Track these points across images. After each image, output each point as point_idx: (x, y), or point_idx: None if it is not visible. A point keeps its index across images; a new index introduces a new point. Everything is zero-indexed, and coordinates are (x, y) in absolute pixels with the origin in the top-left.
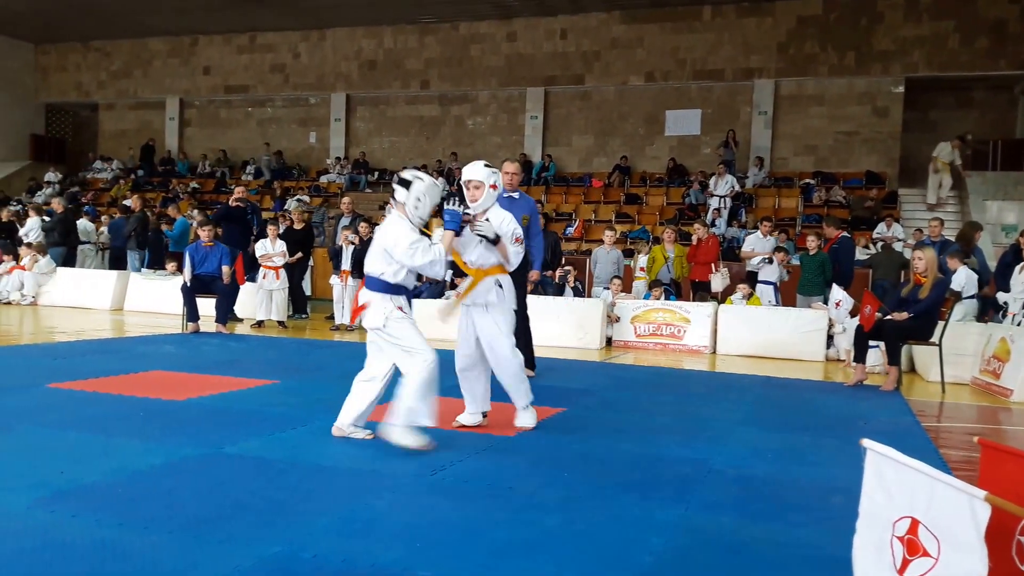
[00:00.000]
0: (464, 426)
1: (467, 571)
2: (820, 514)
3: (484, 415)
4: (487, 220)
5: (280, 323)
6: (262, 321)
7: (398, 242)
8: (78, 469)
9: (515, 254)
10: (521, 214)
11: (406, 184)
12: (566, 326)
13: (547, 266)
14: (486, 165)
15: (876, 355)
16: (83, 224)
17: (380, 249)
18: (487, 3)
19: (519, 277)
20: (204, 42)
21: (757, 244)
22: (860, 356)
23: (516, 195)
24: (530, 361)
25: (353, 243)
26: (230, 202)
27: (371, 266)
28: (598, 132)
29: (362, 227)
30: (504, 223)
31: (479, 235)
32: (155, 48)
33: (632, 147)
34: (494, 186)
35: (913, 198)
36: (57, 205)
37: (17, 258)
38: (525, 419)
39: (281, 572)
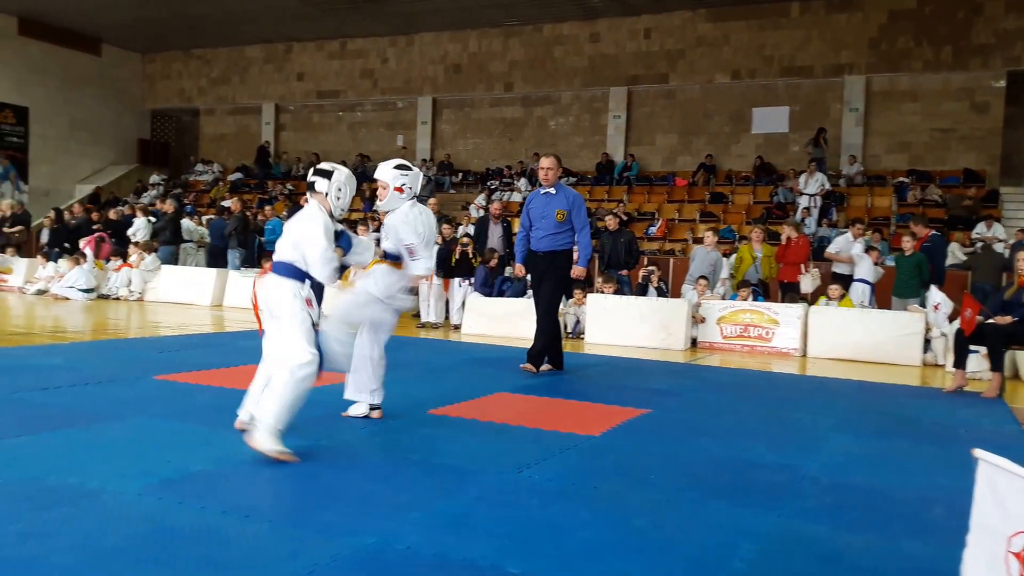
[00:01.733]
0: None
1: (556, 569)
2: (920, 525)
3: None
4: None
5: None
6: None
7: (313, 244)
8: (183, 458)
9: (414, 264)
10: (556, 209)
11: (327, 175)
12: (649, 327)
13: (623, 265)
14: (397, 166)
15: (977, 360)
16: (187, 224)
17: (292, 241)
18: (571, 4)
19: (560, 272)
20: (298, 49)
21: (845, 246)
22: (960, 361)
23: (553, 190)
24: (557, 359)
25: (437, 243)
26: (302, 202)
27: (282, 254)
28: (682, 131)
29: (445, 228)
30: (393, 230)
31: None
32: (251, 55)
33: (717, 145)
34: (400, 189)
35: (1016, 197)
36: (168, 206)
37: (125, 256)
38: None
39: (376, 563)
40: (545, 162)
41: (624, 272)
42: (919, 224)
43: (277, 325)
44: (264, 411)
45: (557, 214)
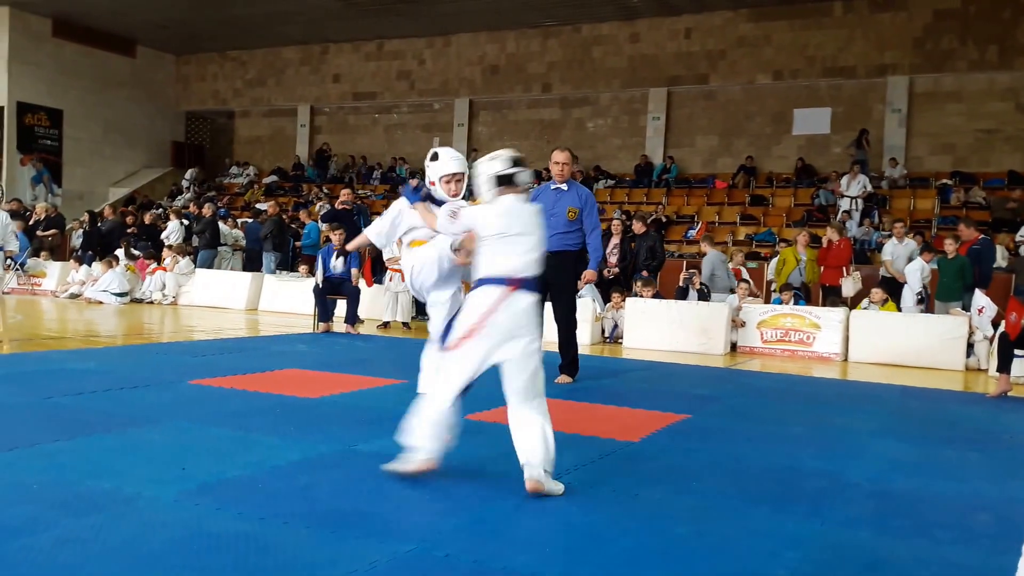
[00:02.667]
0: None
1: None
2: (966, 532)
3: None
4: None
5: (404, 324)
6: (388, 322)
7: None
8: (220, 463)
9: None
10: (568, 206)
11: (525, 163)
12: (689, 331)
13: (646, 268)
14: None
15: (1022, 365)
16: (221, 227)
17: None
18: (610, 4)
19: (571, 278)
20: (334, 50)
21: (895, 251)
22: (1004, 366)
23: (565, 187)
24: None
25: None
26: (336, 204)
27: (534, 266)
28: (722, 132)
29: None
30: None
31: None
32: (287, 57)
33: (758, 147)
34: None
35: None
36: (207, 210)
37: (159, 260)
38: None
39: (414, 570)
40: (560, 156)
41: (644, 273)
42: (969, 227)
43: (527, 352)
44: (548, 458)
45: (569, 212)
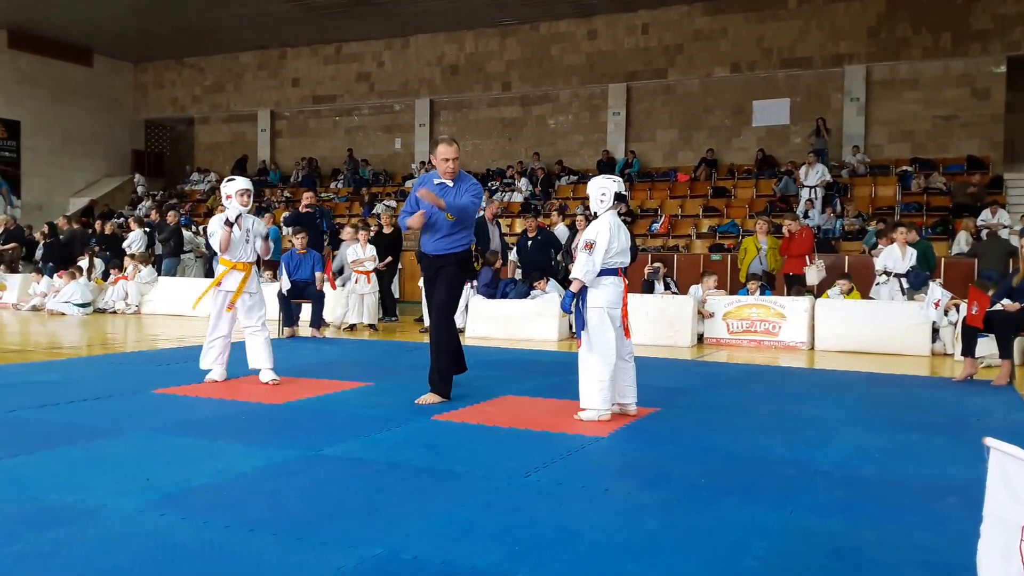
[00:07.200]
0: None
1: (567, 574)
2: (935, 516)
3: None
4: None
5: (371, 326)
6: (354, 325)
7: None
8: (185, 472)
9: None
10: (448, 212)
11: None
12: (656, 324)
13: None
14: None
15: (988, 345)
16: (185, 234)
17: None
18: (567, 2)
19: (453, 271)
20: (292, 54)
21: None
22: (968, 350)
23: (450, 183)
24: (459, 362)
25: None
26: (300, 208)
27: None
28: (683, 126)
29: None
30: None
31: None
32: (245, 62)
33: (718, 139)
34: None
35: (1020, 182)
36: (171, 217)
37: (121, 269)
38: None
39: (382, 573)
40: (447, 151)
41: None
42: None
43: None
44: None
45: (448, 217)
